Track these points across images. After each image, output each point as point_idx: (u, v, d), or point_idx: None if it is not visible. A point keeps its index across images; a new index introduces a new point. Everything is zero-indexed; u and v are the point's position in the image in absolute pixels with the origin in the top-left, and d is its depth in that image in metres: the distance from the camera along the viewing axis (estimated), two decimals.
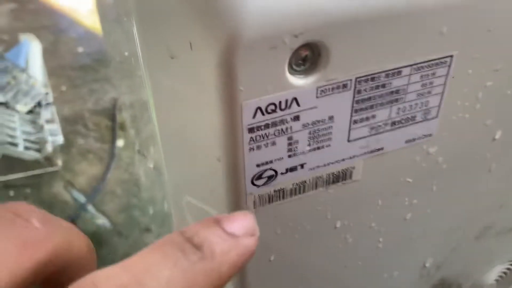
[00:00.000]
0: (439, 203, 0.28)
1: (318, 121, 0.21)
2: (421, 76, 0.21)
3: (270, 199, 0.22)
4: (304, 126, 0.20)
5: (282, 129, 0.20)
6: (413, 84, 0.22)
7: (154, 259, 0.15)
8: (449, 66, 0.22)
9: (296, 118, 0.20)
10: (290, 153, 0.21)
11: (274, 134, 0.20)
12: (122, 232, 1.14)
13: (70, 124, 1.49)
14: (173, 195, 0.29)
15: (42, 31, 1.97)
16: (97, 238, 1.14)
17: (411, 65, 0.21)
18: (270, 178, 0.21)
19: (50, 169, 1.31)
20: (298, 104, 0.20)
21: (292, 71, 0.19)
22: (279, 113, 0.19)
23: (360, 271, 0.29)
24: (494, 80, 0.24)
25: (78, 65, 1.84)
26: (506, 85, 0.24)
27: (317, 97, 0.20)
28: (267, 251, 0.24)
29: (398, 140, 0.23)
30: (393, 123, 0.23)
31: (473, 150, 0.27)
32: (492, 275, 0.39)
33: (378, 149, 0.23)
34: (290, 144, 0.21)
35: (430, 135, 0.24)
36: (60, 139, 1.30)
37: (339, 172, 0.23)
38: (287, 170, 0.22)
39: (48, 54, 1.76)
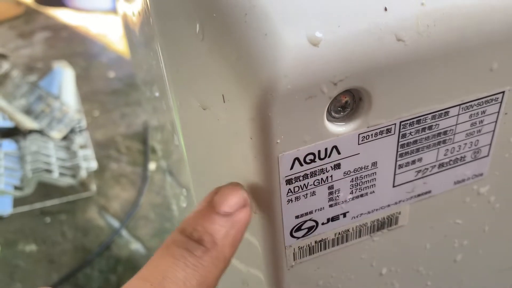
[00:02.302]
0: (492, 244, 0.26)
1: (361, 168, 0.19)
2: (470, 115, 0.20)
3: (311, 250, 0.21)
4: (346, 174, 0.19)
5: (322, 179, 0.19)
6: (461, 124, 0.20)
7: (166, 265, 0.16)
8: (501, 102, 0.20)
9: (337, 166, 0.19)
10: (331, 203, 0.20)
11: (314, 184, 0.19)
12: None
13: (103, 148, 1.52)
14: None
15: (75, 57, 2.03)
16: (131, 263, 1.14)
17: (459, 105, 0.19)
18: (311, 229, 0.20)
19: (84, 194, 1.33)
20: (338, 152, 0.18)
21: (331, 118, 0.18)
22: (318, 162, 0.18)
23: None
24: None
25: (110, 89, 1.87)
26: None
27: (359, 144, 0.18)
28: None
29: (447, 182, 0.22)
30: (441, 165, 0.21)
31: None
32: None
33: (426, 193, 0.22)
34: (331, 193, 0.19)
35: (481, 174, 0.22)
36: (93, 165, 1.32)
37: (384, 218, 0.21)
38: (328, 220, 0.20)
39: (81, 80, 1.80)
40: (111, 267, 1.13)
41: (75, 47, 2.13)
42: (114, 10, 2.14)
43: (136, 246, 1.18)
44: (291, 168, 0.18)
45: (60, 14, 2.35)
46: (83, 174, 1.31)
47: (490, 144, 0.21)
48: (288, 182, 0.18)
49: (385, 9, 0.16)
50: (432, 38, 0.17)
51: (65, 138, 1.42)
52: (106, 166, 1.44)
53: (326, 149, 0.18)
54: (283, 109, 0.16)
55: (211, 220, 0.17)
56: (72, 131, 1.45)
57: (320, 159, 0.18)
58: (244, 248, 0.21)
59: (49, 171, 1.27)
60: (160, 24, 0.20)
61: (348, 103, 0.18)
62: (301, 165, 0.18)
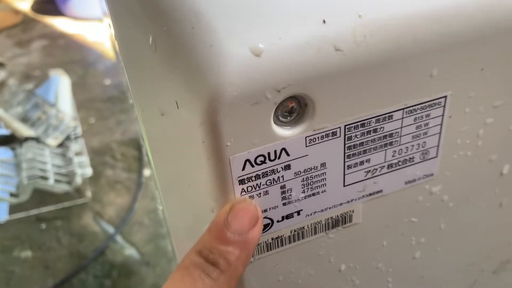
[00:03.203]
0: (449, 241, 0.28)
1: (310, 169, 0.21)
2: (415, 119, 0.21)
3: (269, 247, 0.22)
4: (296, 174, 0.20)
5: (273, 179, 0.20)
6: (407, 127, 0.21)
7: (186, 285, 0.18)
8: (444, 106, 0.21)
9: (287, 167, 0.20)
10: (284, 201, 0.21)
11: (266, 183, 0.20)
12: (150, 262, 1.15)
13: (98, 155, 1.53)
14: (175, 233, 0.29)
15: (71, 65, 2.04)
16: (126, 268, 1.15)
17: (402, 109, 0.21)
18: (266, 226, 0.21)
19: (79, 201, 1.34)
20: (287, 154, 0.20)
21: (280, 122, 0.19)
22: (269, 163, 0.20)
23: None
24: (495, 117, 0.23)
25: (105, 97, 1.89)
26: (507, 121, 0.24)
27: (306, 146, 0.20)
28: None
29: (397, 182, 0.23)
30: (390, 166, 0.22)
31: (480, 186, 0.26)
32: None
33: (377, 192, 0.23)
34: (283, 192, 0.21)
35: (431, 175, 0.24)
36: (89, 171, 1.33)
37: (337, 216, 0.23)
38: (283, 218, 0.22)
39: (77, 88, 1.82)
40: (106, 273, 1.14)
41: (72, 55, 2.15)
42: None
43: (130, 251, 1.19)
44: (243, 169, 0.19)
45: (57, 22, 2.36)
46: (78, 180, 1.32)
47: (438, 146, 0.23)
48: (241, 182, 0.19)
49: (324, 21, 0.18)
50: (370, 48, 0.18)
51: (61, 145, 1.44)
52: (101, 172, 1.45)
53: (275, 151, 0.19)
54: (230, 114, 0.17)
55: (225, 242, 0.19)
56: (68, 138, 1.46)
57: (270, 160, 0.19)
58: None
59: (44, 178, 1.28)
60: (119, 35, 0.21)
61: (294, 108, 0.19)
62: (252, 166, 0.19)
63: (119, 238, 1.22)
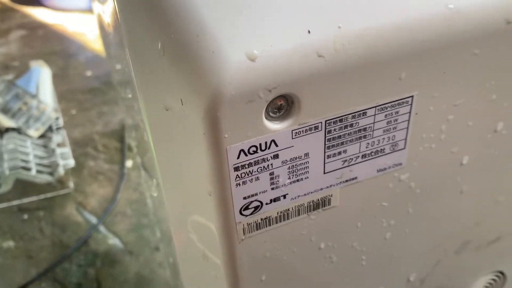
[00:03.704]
0: (417, 224, 0.31)
1: (295, 158, 0.24)
2: (386, 115, 0.25)
3: (258, 226, 0.25)
4: (283, 162, 0.24)
5: (264, 166, 0.23)
6: (378, 122, 0.25)
7: None
8: (411, 105, 0.25)
9: (276, 156, 0.23)
10: (272, 186, 0.24)
11: (257, 171, 0.23)
12: (133, 251, 1.17)
13: (80, 146, 1.54)
14: (174, 216, 0.32)
15: (52, 56, 2.03)
16: (109, 258, 1.17)
17: (375, 107, 0.24)
18: (256, 208, 0.24)
19: (62, 191, 1.35)
20: (276, 145, 0.23)
21: (270, 117, 0.22)
22: (260, 153, 0.23)
23: (346, 287, 0.32)
24: (455, 114, 0.27)
25: (87, 88, 1.89)
26: (467, 118, 0.27)
27: (292, 138, 0.23)
28: (258, 272, 0.27)
29: (370, 170, 0.26)
30: (364, 156, 0.26)
31: (443, 175, 0.30)
32: (478, 286, 0.41)
33: (352, 179, 0.26)
34: (272, 178, 0.24)
35: (400, 164, 0.27)
36: (71, 163, 1.34)
37: (318, 200, 0.26)
38: (271, 201, 0.25)
39: (58, 79, 1.82)
40: (89, 262, 1.16)
41: (52, 46, 2.13)
42: (91, 9, 2.14)
43: (113, 241, 1.21)
44: (238, 157, 0.22)
45: (36, 12, 2.34)
46: (60, 171, 1.33)
47: (406, 139, 0.26)
48: (236, 169, 0.22)
49: (309, 31, 0.21)
50: (347, 54, 0.21)
51: (42, 136, 1.44)
52: (83, 163, 1.46)
53: (266, 142, 0.22)
54: (229, 110, 0.20)
55: None
56: (49, 129, 1.47)
57: (261, 150, 0.23)
58: (203, 228, 0.26)
59: (26, 168, 1.29)
60: (128, 37, 0.24)
61: (283, 105, 0.22)
62: (246, 155, 0.22)
63: (102, 228, 1.24)
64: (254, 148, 0.22)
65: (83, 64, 2.00)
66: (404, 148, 0.26)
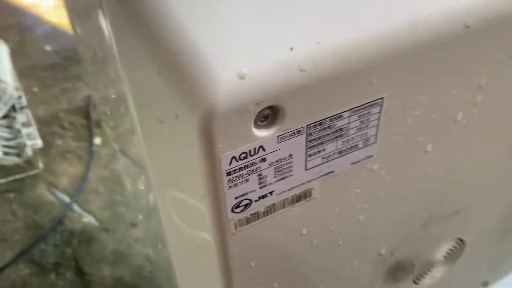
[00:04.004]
0: (387, 205, 0.34)
1: (281, 159, 0.26)
2: (359, 116, 0.27)
3: (248, 221, 0.28)
4: (270, 164, 0.26)
5: (253, 169, 0.26)
6: (353, 122, 0.27)
7: None
8: (381, 105, 0.27)
9: (263, 159, 0.25)
10: (261, 185, 0.27)
11: (247, 173, 0.25)
12: (109, 228, 1.19)
13: (46, 125, 1.51)
14: (158, 190, 0.34)
15: (7, 31, 1.95)
16: (85, 236, 1.18)
17: (349, 109, 0.26)
18: (246, 206, 0.27)
19: (31, 172, 1.34)
20: (264, 150, 0.25)
21: (257, 126, 0.24)
22: (250, 158, 0.25)
23: (326, 265, 0.36)
24: (420, 110, 0.30)
25: (47, 64, 1.84)
26: (430, 112, 0.30)
27: (278, 142, 0.25)
28: (248, 260, 0.30)
29: (346, 163, 0.29)
30: (340, 152, 0.28)
31: (410, 162, 0.33)
32: (441, 252, 0.46)
33: (330, 172, 0.29)
34: (260, 179, 0.26)
35: (371, 156, 0.30)
36: (39, 143, 1.32)
37: (300, 193, 0.29)
38: (259, 198, 0.27)
39: (16, 55, 1.75)
40: (66, 241, 1.17)
41: (6, 19, 2.04)
42: None
43: (88, 219, 1.22)
44: (230, 164, 0.24)
45: None
46: (28, 152, 1.32)
47: (376, 135, 0.29)
48: (228, 174, 0.25)
49: (291, 49, 0.23)
50: (325, 67, 0.24)
51: (6, 116, 1.41)
52: (51, 142, 1.44)
53: (255, 149, 0.25)
54: (221, 124, 0.22)
55: None
56: (12, 109, 1.43)
57: (251, 156, 0.25)
58: (197, 219, 0.28)
59: None
60: (121, 53, 0.25)
61: (269, 114, 0.24)
62: (237, 161, 0.25)
63: (76, 207, 1.25)
64: (244, 155, 0.24)
65: (41, 38, 1.94)
66: (375, 143, 0.29)
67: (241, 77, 0.22)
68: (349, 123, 0.27)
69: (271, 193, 0.27)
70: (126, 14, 0.23)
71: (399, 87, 0.27)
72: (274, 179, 0.27)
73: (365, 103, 0.27)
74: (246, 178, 0.26)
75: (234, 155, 0.24)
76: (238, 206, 0.27)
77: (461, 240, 0.46)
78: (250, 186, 0.26)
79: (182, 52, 0.22)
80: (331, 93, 0.25)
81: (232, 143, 0.24)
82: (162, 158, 0.28)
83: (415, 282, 0.47)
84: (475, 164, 0.38)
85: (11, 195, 1.29)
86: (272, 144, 0.25)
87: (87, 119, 1.55)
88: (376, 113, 0.28)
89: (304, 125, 0.25)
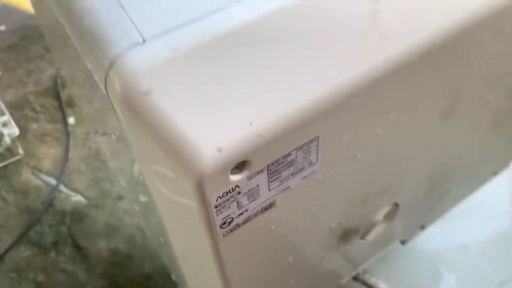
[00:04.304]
0: (332, 199, 0.46)
1: (251, 189, 0.37)
2: (303, 151, 0.38)
3: (232, 230, 0.39)
4: (244, 194, 0.37)
5: (232, 200, 0.37)
6: (299, 155, 0.38)
7: None
8: (318, 140, 0.39)
9: (239, 192, 0.37)
10: (238, 208, 0.38)
11: (228, 203, 0.37)
12: (97, 204, 1.29)
13: (17, 110, 1.56)
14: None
15: None
16: (76, 214, 1.28)
17: (295, 148, 0.37)
18: (230, 222, 0.38)
19: (12, 159, 1.41)
20: (238, 187, 0.36)
21: (232, 173, 0.35)
22: (230, 194, 0.36)
23: (291, 243, 0.48)
24: (348, 134, 0.41)
25: (5, 45, 1.84)
26: (355, 135, 0.42)
27: (248, 180, 0.36)
28: (235, 253, 0.42)
29: (297, 180, 0.41)
30: (293, 174, 0.40)
31: (345, 166, 0.44)
32: (380, 214, 0.59)
33: (287, 188, 0.40)
34: (237, 204, 0.37)
35: (315, 171, 0.41)
36: (16, 131, 1.38)
37: (267, 205, 0.40)
38: (238, 215, 0.38)
39: None
40: (59, 221, 1.27)
41: None
42: None
43: (76, 198, 1.31)
44: (216, 201, 0.35)
45: None
46: (7, 141, 1.38)
47: (317, 157, 0.40)
48: (215, 207, 0.36)
49: (251, 123, 0.33)
50: (276, 131, 0.34)
51: None
52: (26, 127, 1.50)
53: (232, 188, 0.36)
54: (208, 179, 0.33)
55: None
56: None
57: (230, 192, 0.36)
58: (195, 232, 0.39)
59: None
60: (135, 142, 0.35)
61: (240, 165, 0.35)
62: (221, 198, 0.36)
63: (63, 188, 1.34)
64: (225, 193, 0.35)
65: None
66: (317, 162, 0.41)
67: (219, 150, 0.32)
68: (296, 156, 0.38)
69: (246, 210, 0.39)
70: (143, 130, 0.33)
71: (328, 128, 0.38)
72: (247, 202, 0.38)
73: (305, 142, 0.38)
74: (228, 206, 0.37)
75: (218, 195, 0.35)
76: (224, 224, 0.38)
77: (396, 203, 0.59)
78: (231, 210, 0.37)
79: (182, 140, 0.32)
80: (281, 143, 0.36)
81: (216, 188, 0.35)
82: (170, 210, 0.39)
83: (362, 238, 0.60)
84: (397, 159, 0.50)
85: None
86: (244, 182, 0.36)
87: (57, 99, 1.60)
88: (315, 145, 0.39)
89: (265, 165, 0.36)
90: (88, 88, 0.41)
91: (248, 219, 0.40)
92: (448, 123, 0.53)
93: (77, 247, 1.21)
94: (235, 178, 0.35)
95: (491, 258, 0.95)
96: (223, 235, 0.39)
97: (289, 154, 0.37)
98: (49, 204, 1.30)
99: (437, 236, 0.94)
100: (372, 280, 0.72)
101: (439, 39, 0.39)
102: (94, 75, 0.32)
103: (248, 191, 0.37)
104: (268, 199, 0.40)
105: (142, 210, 0.65)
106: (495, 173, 0.77)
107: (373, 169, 0.48)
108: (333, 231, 0.53)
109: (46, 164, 1.41)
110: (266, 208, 0.40)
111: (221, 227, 0.38)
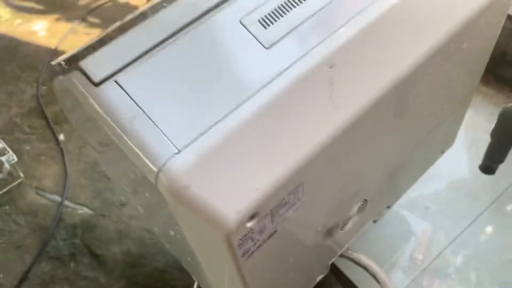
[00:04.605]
0: (315, 214, 0.62)
1: (260, 227, 0.52)
2: (293, 193, 0.53)
3: (249, 256, 0.54)
4: (256, 232, 0.52)
5: (248, 237, 0.51)
6: (291, 197, 0.53)
7: None
8: (302, 184, 0.53)
9: (252, 232, 0.51)
10: (253, 242, 0.53)
11: (246, 242, 0.51)
12: (104, 213, 1.42)
13: (8, 134, 1.65)
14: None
15: None
16: (86, 225, 1.41)
17: (288, 194, 0.52)
18: (247, 251, 0.53)
19: (15, 183, 1.51)
20: (252, 229, 0.51)
21: (247, 221, 0.50)
22: (247, 235, 0.51)
23: (291, 249, 0.63)
24: (325, 175, 0.56)
25: None
26: (333, 170, 0.57)
27: (257, 223, 0.51)
28: (253, 267, 0.57)
29: (291, 212, 0.56)
30: (287, 209, 0.54)
31: (323, 193, 0.60)
32: (354, 210, 0.75)
33: (284, 219, 0.55)
34: (252, 239, 0.52)
35: (303, 202, 0.56)
36: (14, 157, 1.47)
37: (271, 233, 0.55)
38: (254, 245, 0.53)
39: None
40: (72, 233, 1.40)
41: None
42: None
43: (83, 210, 1.44)
44: (238, 242, 0.50)
45: None
46: (7, 167, 1.48)
47: (303, 194, 0.55)
48: (238, 245, 0.51)
49: (257, 189, 0.48)
50: (268, 195, 0.49)
51: None
52: (20, 150, 1.60)
53: (248, 231, 0.50)
54: (233, 234, 0.48)
55: None
56: None
57: (247, 234, 0.51)
58: (224, 260, 0.54)
59: None
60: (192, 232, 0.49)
61: (252, 215, 0.50)
62: (241, 239, 0.50)
63: (68, 203, 1.46)
64: (244, 236, 0.50)
65: None
66: (303, 197, 0.56)
67: (238, 213, 0.47)
68: (289, 198, 0.53)
69: (258, 241, 0.54)
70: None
71: (307, 174, 0.53)
72: (258, 236, 0.53)
73: (294, 188, 0.53)
74: (246, 242, 0.52)
75: (239, 238, 0.50)
76: (243, 254, 0.53)
77: (365, 199, 0.75)
78: (249, 245, 0.52)
79: (213, 211, 0.46)
80: (277, 195, 0.50)
81: (238, 235, 0.49)
82: (205, 248, 0.53)
83: (342, 229, 0.76)
84: (363, 172, 0.65)
85: (7, 207, 1.48)
86: (255, 225, 0.51)
87: (44, 118, 1.69)
88: (301, 187, 0.54)
89: (268, 211, 0.51)
90: (131, 173, 0.55)
91: (259, 246, 0.55)
92: (400, 134, 0.68)
93: (94, 255, 1.35)
94: (249, 224, 0.50)
95: (448, 213, 1.14)
96: (244, 261, 0.54)
97: (284, 199, 0.52)
98: (59, 219, 1.43)
99: (402, 203, 1.12)
100: (354, 255, 0.89)
101: (382, 93, 0.54)
102: (146, 174, 0.46)
103: (258, 229, 0.52)
104: (272, 229, 0.55)
105: (165, 236, 0.80)
106: (443, 152, 0.94)
107: (344, 185, 0.64)
108: (319, 232, 0.68)
109: (47, 182, 1.52)
110: (271, 235, 0.56)
111: (242, 256, 0.53)
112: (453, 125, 0.92)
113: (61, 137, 1.63)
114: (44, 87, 1.76)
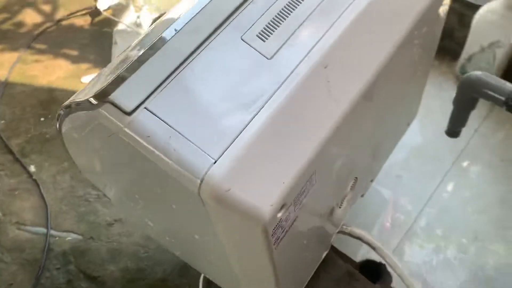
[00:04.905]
0: (322, 196, 0.69)
1: (287, 216, 0.59)
2: (309, 181, 0.60)
3: (279, 243, 0.61)
4: (283, 220, 0.59)
5: (279, 226, 0.58)
6: (307, 185, 0.60)
7: None
8: (315, 172, 0.61)
9: (281, 221, 0.58)
10: (282, 230, 0.60)
11: (277, 229, 0.58)
12: (93, 236, 1.44)
13: None
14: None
15: None
16: (77, 250, 1.42)
17: (305, 182, 0.59)
18: (278, 239, 0.60)
19: None
20: (281, 219, 0.58)
21: (278, 212, 0.56)
22: (278, 225, 0.57)
23: (305, 237, 0.71)
24: (334, 164, 0.63)
25: None
26: (340, 160, 0.64)
27: (284, 212, 0.58)
28: (282, 251, 0.64)
29: (307, 197, 0.63)
30: (305, 196, 0.62)
31: (328, 176, 0.67)
32: (348, 188, 0.83)
33: (303, 205, 0.63)
34: (281, 228, 0.59)
35: (315, 186, 0.64)
36: None
37: (294, 219, 0.62)
38: (282, 232, 0.60)
39: None
40: (64, 261, 1.41)
41: None
42: None
43: (71, 237, 1.45)
44: (272, 234, 0.57)
45: None
46: None
47: (316, 180, 0.62)
48: (272, 235, 0.57)
49: (283, 182, 0.55)
50: (293, 186, 0.56)
51: None
52: None
53: (279, 221, 0.57)
54: (268, 225, 0.54)
55: None
56: None
57: (278, 223, 0.57)
58: (257, 250, 0.61)
59: None
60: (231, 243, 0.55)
61: (281, 207, 0.56)
62: (274, 229, 0.57)
63: (53, 232, 1.45)
64: (276, 225, 0.57)
65: None
66: (316, 183, 0.63)
67: (271, 205, 0.54)
68: (306, 186, 0.60)
69: (285, 228, 0.61)
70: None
71: (317, 164, 0.60)
72: (285, 223, 0.60)
73: (309, 177, 0.60)
74: (276, 231, 0.58)
75: (272, 228, 0.57)
76: (275, 242, 0.60)
77: (356, 177, 0.84)
78: (279, 233, 0.59)
79: (252, 208, 0.52)
80: (299, 185, 0.57)
81: (271, 226, 0.56)
82: (236, 242, 0.60)
83: (340, 207, 0.84)
84: (357, 154, 0.73)
85: None
86: (284, 215, 0.58)
87: (9, 153, 1.66)
88: (314, 175, 0.61)
89: (292, 200, 0.58)
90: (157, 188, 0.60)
91: (286, 232, 0.62)
92: (378, 114, 0.77)
93: (91, 278, 1.36)
94: (279, 215, 0.57)
95: (416, 177, 1.26)
96: (275, 248, 0.61)
97: (303, 187, 0.59)
98: (48, 250, 1.42)
99: (379, 177, 1.23)
100: (349, 229, 0.98)
101: (368, 82, 0.62)
102: (187, 186, 0.51)
103: (285, 218, 0.59)
104: (294, 216, 0.62)
105: (183, 243, 0.85)
106: (408, 124, 1.04)
107: (343, 166, 0.72)
108: (324, 215, 0.76)
109: (28, 216, 1.51)
110: (293, 222, 0.63)
111: (274, 243, 0.60)
112: (416, 99, 1.02)
113: (32, 168, 1.62)
114: (2, 121, 1.74)
